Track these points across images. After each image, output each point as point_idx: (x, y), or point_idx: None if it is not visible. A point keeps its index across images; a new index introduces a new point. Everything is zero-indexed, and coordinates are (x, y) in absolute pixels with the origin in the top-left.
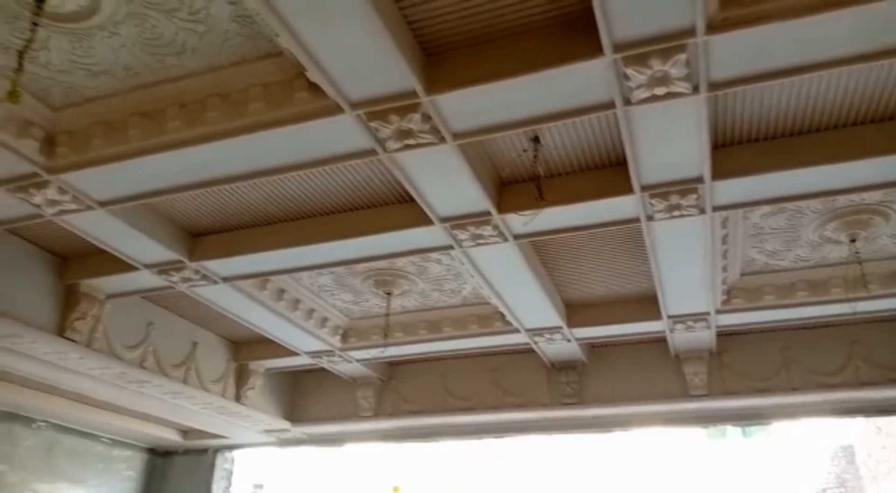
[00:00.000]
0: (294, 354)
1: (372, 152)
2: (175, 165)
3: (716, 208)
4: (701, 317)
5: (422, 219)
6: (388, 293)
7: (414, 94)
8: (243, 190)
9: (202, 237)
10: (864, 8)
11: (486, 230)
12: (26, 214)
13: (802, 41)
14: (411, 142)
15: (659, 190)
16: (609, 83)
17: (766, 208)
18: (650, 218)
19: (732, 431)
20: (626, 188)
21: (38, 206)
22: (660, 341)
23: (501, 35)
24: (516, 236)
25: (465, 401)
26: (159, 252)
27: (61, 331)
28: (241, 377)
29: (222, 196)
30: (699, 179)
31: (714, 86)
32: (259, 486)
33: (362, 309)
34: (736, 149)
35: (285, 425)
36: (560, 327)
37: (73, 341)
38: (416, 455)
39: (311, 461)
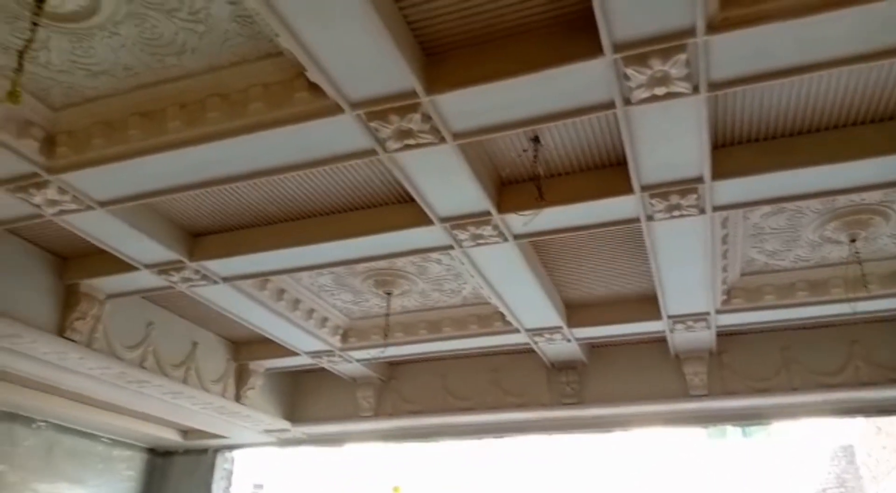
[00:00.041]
0: (294, 354)
1: (372, 152)
2: (175, 165)
3: (716, 208)
4: (701, 317)
5: (422, 219)
6: (388, 293)
7: (414, 94)
8: (243, 190)
9: (202, 237)
10: (864, 8)
11: (486, 230)
12: (26, 214)
13: (802, 41)
14: (411, 142)
15: (659, 190)
16: (609, 83)
17: (766, 208)
18: (650, 218)
19: (732, 431)
20: (626, 188)
21: (38, 206)
22: (660, 341)
23: (501, 35)
24: (516, 236)
25: (465, 401)
26: (159, 252)
27: (61, 331)
28: (241, 377)
29: (222, 196)
30: (699, 179)
31: (714, 86)
32: (259, 486)
33: (362, 309)
34: (736, 149)
35: (285, 425)
36: (560, 327)
37: (73, 341)
38: (416, 455)
39: (311, 461)
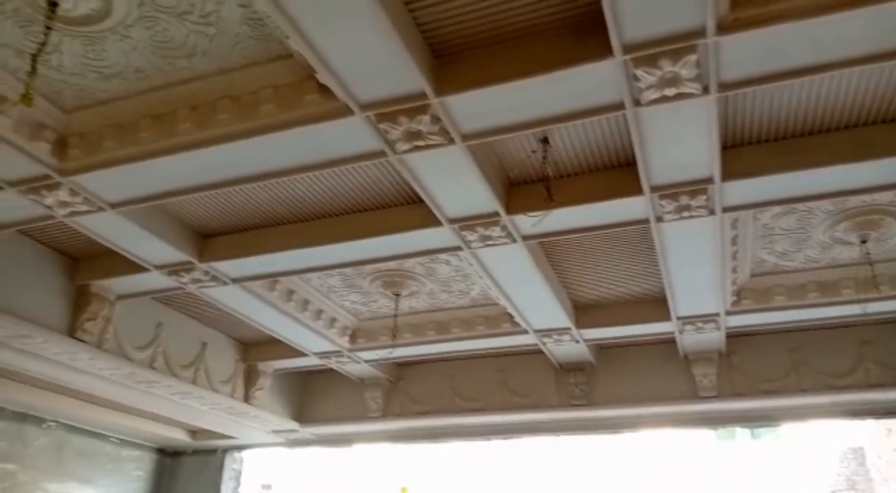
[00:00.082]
0: (303, 354)
1: (381, 154)
2: (186, 166)
3: (726, 209)
4: (710, 318)
5: (430, 220)
6: (397, 294)
7: (423, 95)
8: (253, 191)
9: (212, 238)
10: (877, 8)
11: (495, 231)
12: (38, 216)
13: (814, 41)
14: (420, 143)
15: (668, 191)
16: (619, 84)
17: (777, 209)
18: (660, 219)
19: (741, 432)
20: (636, 189)
21: (49, 207)
22: (669, 342)
23: (511, 36)
24: (525, 237)
25: (473, 402)
26: (169, 253)
27: (72, 332)
28: (250, 378)
29: (232, 197)
30: (709, 180)
31: (724, 86)
32: (267, 486)
33: (371, 310)
34: (746, 149)
35: (294, 425)
36: (568, 328)
37: (83, 341)
38: (424, 456)
39: (319, 461)
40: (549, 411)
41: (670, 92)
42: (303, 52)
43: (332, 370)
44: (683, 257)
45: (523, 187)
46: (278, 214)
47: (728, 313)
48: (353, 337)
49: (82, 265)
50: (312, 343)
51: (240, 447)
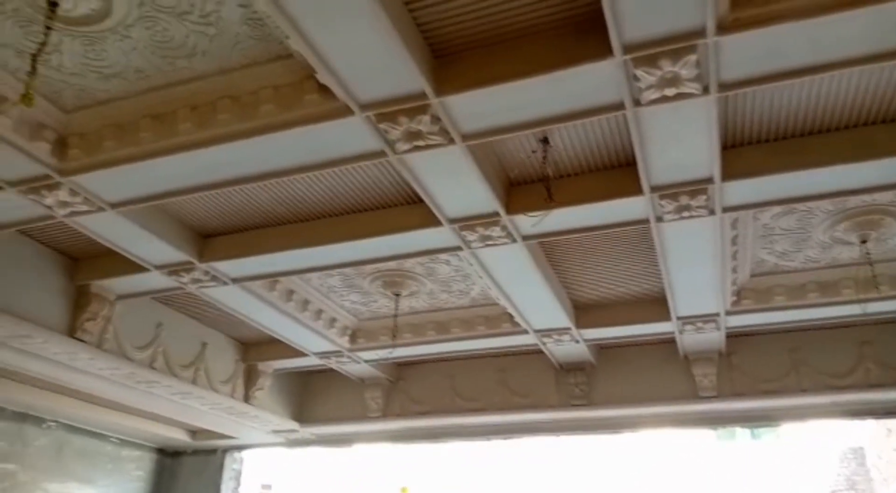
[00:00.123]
0: (303, 354)
1: (381, 154)
2: (186, 166)
3: (726, 209)
4: (710, 318)
5: (430, 220)
6: (397, 294)
7: (423, 95)
8: (253, 191)
9: (212, 238)
10: (877, 8)
11: (495, 231)
12: (38, 216)
13: (814, 41)
14: (420, 143)
15: (668, 191)
16: (619, 84)
17: (777, 209)
18: (660, 219)
19: (741, 432)
20: (636, 189)
21: (49, 207)
22: (669, 342)
23: (511, 37)
24: (525, 237)
25: (473, 402)
26: (169, 253)
27: (72, 331)
28: (250, 378)
29: (232, 197)
30: (709, 180)
31: (724, 86)
32: (267, 486)
33: (371, 310)
34: (746, 149)
35: (294, 425)
36: (568, 328)
37: (83, 341)
38: (424, 456)
39: (319, 461)
40: (549, 411)
41: (670, 92)
42: (303, 52)
43: (332, 370)
44: (683, 256)
45: (523, 187)
46: (278, 214)
47: (728, 313)
48: (353, 337)
49: (82, 265)
50: (312, 343)
51: (240, 447)
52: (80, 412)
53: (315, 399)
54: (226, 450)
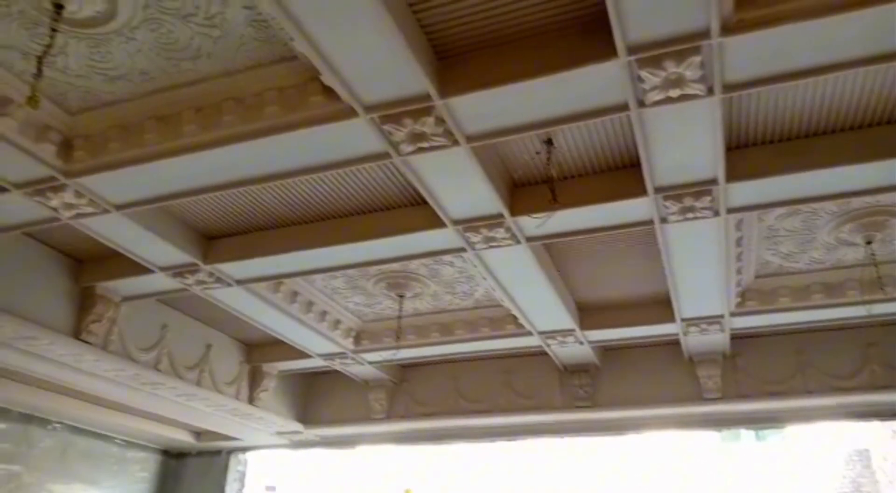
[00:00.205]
0: (307, 356)
1: (385, 155)
2: (190, 168)
3: (730, 210)
4: (715, 320)
5: (434, 221)
6: (401, 296)
7: (427, 97)
8: (257, 193)
9: (216, 240)
10: (883, 8)
11: (499, 233)
12: (43, 218)
13: (819, 42)
14: (424, 145)
15: (673, 192)
16: (623, 85)
17: (781, 210)
18: (664, 220)
19: (746, 434)
20: (640, 190)
21: (54, 209)
22: (673, 343)
23: (514, 38)
24: (529, 239)
25: (477, 404)
26: (174, 255)
27: (77, 333)
28: (255, 379)
29: (237, 199)
30: (713, 181)
31: (729, 88)
32: (272, 488)
33: (375, 311)
34: (750, 150)
35: (298, 427)
36: (573, 330)
37: (88, 343)
38: (428, 458)
39: (323, 463)
40: (554, 412)
41: (674, 93)
42: (307, 54)
43: (336, 372)
44: (688, 258)
45: (527, 189)
46: (282, 215)
47: (732, 315)
48: (357, 339)
49: (87, 267)
50: (316, 345)
51: (244, 449)
52: (84, 413)
53: (319, 401)
54: (230, 451)
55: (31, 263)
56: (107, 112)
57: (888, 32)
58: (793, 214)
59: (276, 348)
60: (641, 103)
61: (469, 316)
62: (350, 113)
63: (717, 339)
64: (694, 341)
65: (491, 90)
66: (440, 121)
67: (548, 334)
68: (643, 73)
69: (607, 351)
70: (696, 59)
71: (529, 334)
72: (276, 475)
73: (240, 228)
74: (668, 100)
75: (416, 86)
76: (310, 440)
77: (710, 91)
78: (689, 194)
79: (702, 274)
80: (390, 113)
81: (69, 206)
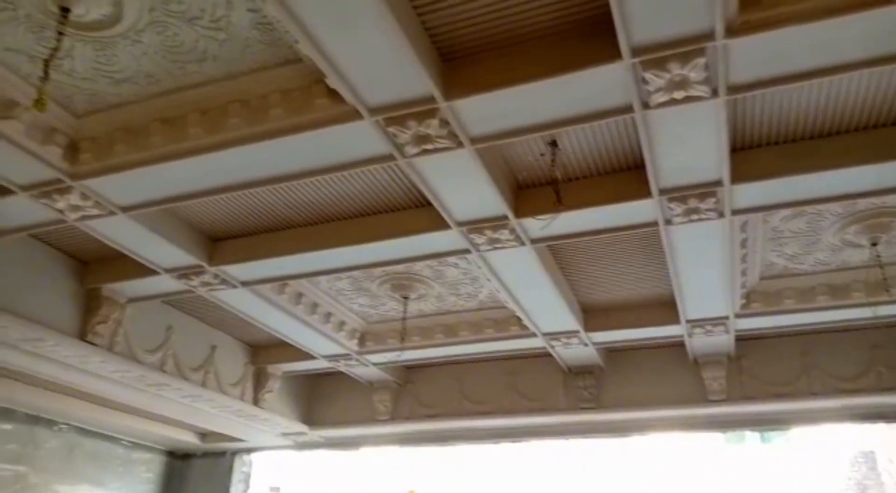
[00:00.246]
0: (311, 357)
1: (390, 157)
2: (196, 170)
3: (735, 212)
4: (720, 321)
5: (439, 223)
6: (405, 297)
7: (432, 99)
8: (263, 195)
9: (221, 242)
10: (887, 10)
11: (503, 234)
12: (49, 220)
13: (824, 44)
14: (429, 147)
15: (677, 194)
16: (627, 87)
17: (786, 212)
18: (668, 222)
19: (751, 436)
20: (645, 192)
21: (60, 211)
22: (678, 345)
23: (519, 40)
24: (533, 240)
25: (482, 405)
26: (179, 257)
27: (83, 335)
28: (259, 381)
29: (242, 201)
30: (718, 183)
31: (733, 89)
32: (276, 489)
33: (379, 313)
34: (755, 152)
35: (302, 428)
36: (577, 332)
37: (94, 344)
38: (433, 459)
39: (327, 464)
40: (558, 414)
41: (679, 95)
42: (312, 56)
43: (340, 373)
44: (692, 259)
45: (532, 190)
46: (287, 217)
47: (737, 316)
48: (362, 340)
49: (93, 269)
50: (321, 346)
51: (249, 450)
52: (90, 414)
53: (323, 402)
54: (235, 453)
55: (37, 264)
56: (113, 115)
57: (893, 34)
58: (798, 215)
59: (281, 349)
60: (646, 105)
61: (473, 317)
62: (355, 115)
63: (722, 340)
64: (699, 342)
65: (495, 92)
66: (444, 123)
67: (552, 336)
68: (648, 75)
69: (612, 353)
70: (701, 60)
71: (534, 335)
72: (280, 477)
73: (245, 229)
74: (673, 102)
75: (420, 88)
76: (314, 442)
77: (715, 93)
78: (694, 196)
79: (706, 276)
80: (395, 115)
81: (75, 208)
